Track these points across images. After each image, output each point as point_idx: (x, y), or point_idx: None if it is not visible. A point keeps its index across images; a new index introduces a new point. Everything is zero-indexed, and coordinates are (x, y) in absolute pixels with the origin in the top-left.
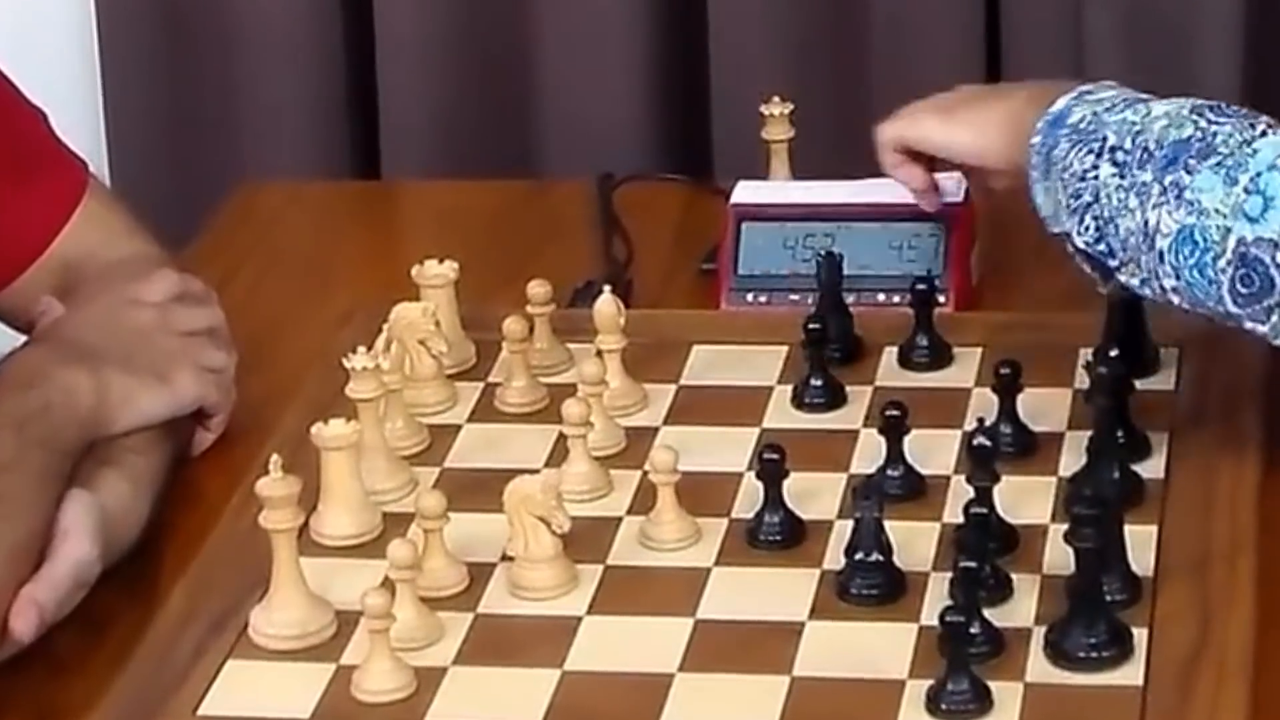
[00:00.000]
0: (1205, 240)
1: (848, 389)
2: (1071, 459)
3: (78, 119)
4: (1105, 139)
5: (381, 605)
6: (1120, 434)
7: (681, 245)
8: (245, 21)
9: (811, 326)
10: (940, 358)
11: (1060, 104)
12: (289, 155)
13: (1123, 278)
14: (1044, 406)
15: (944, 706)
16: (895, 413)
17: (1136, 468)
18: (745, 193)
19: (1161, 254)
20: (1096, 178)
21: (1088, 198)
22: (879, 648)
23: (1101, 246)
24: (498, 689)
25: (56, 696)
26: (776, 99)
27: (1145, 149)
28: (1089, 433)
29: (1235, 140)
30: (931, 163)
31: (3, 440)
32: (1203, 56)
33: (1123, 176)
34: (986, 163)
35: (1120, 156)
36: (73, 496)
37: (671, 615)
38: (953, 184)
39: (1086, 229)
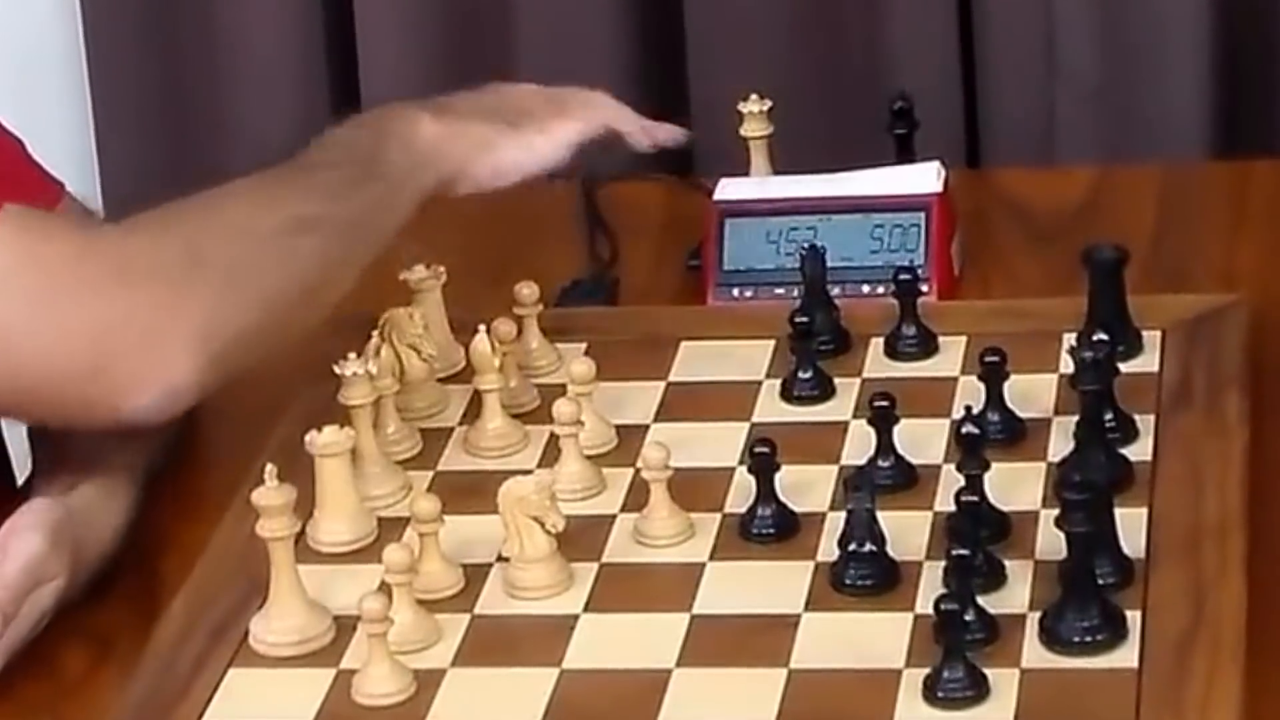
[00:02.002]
0: None
1: (836, 381)
2: (1060, 444)
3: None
4: None
5: (379, 609)
6: (1107, 418)
7: (666, 242)
8: (232, 36)
9: (798, 320)
10: (926, 347)
11: None
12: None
13: None
14: (1030, 392)
15: (941, 694)
16: (884, 403)
17: (1124, 451)
18: (728, 189)
19: None
20: None
21: None
22: (875, 638)
23: None
24: (496, 689)
25: (62, 712)
26: (754, 97)
27: None
28: (1076, 417)
29: None
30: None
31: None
32: (1172, 48)
33: None
34: None
35: None
36: (28, 504)
37: (667, 611)
38: (930, 174)
39: None
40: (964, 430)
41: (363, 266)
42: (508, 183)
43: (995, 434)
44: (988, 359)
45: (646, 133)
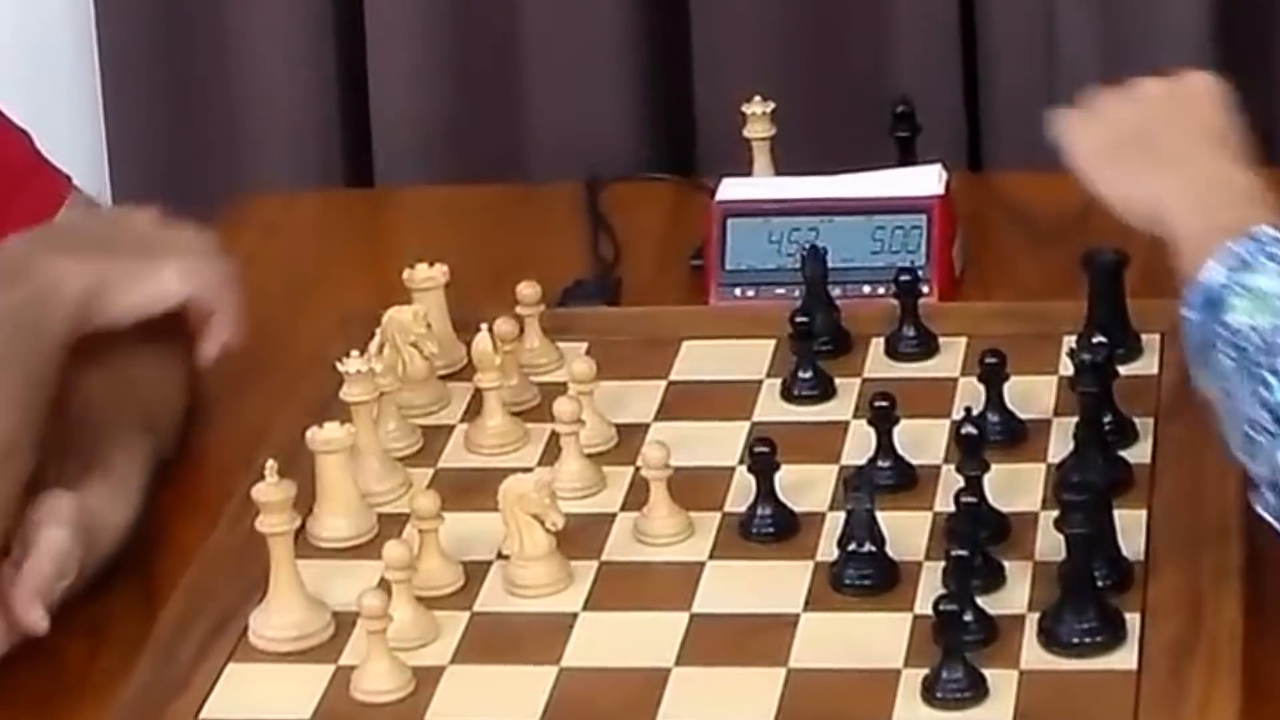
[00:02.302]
0: None
1: (836, 381)
2: (1059, 446)
3: (78, 137)
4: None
5: (379, 606)
6: (1106, 420)
7: (668, 243)
8: (241, 34)
9: (799, 320)
10: (927, 348)
11: (1211, 276)
12: (284, 163)
13: None
14: (1030, 394)
15: (939, 695)
16: (884, 404)
17: (1123, 453)
18: (730, 190)
19: None
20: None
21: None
22: (874, 638)
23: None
24: (495, 687)
25: (62, 705)
26: (758, 98)
27: None
28: (1075, 419)
29: None
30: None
31: None
32: (1172, 51)
33: None
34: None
35: None
36: (49, 494)
37: (667, 610)
38: (932, 176)
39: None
40: (964, 431)
41: None
42: (130, 320)
43: (995, 435)
44: (988, 360)
45: (232, 326)
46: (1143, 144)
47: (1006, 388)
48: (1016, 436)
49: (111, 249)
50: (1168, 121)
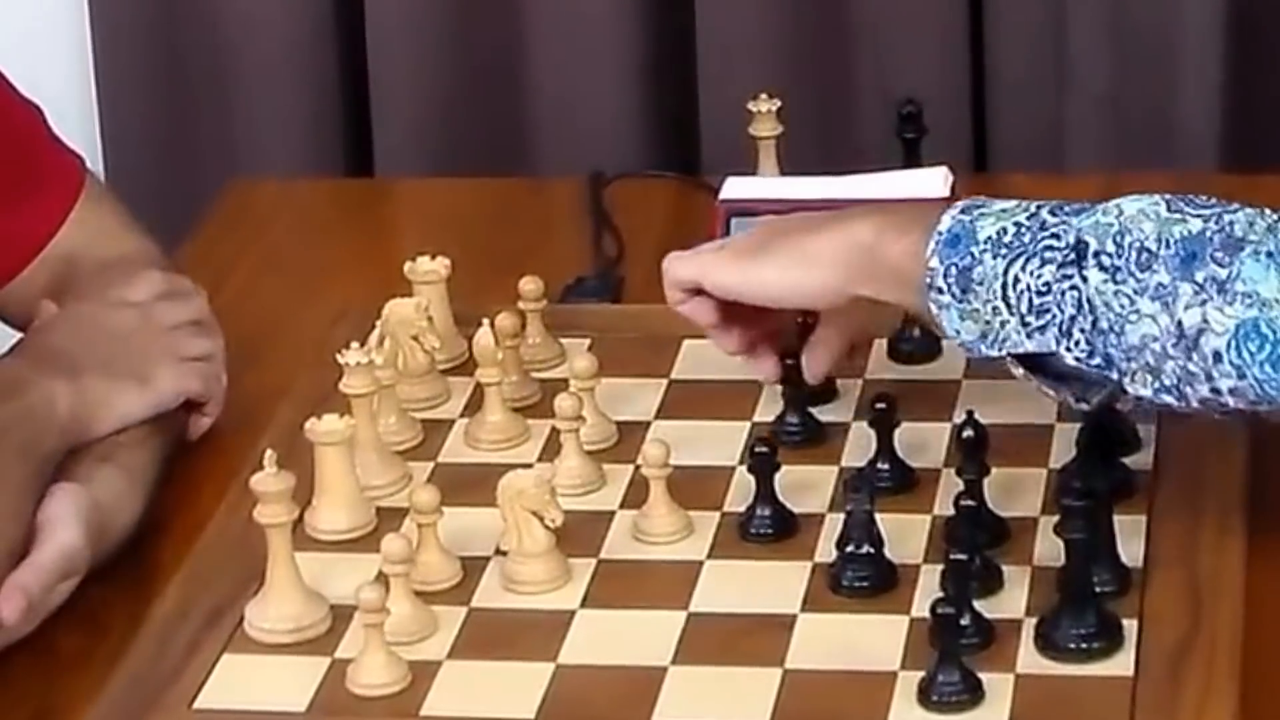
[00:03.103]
0: (1274, 331)
1: (837, 382)
2: (1061, 451)
3: (73, 118)
4: (1078, 245)
5: (376, 599)
6: (1108, 426)
7: (672, 241)
8: (240, 21)
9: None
10: (929, 350)
11: (948, 222)
12: (282, 153)
13: (1132, 389)
14: (1034, 398)
15: (935, 698)
16: (885, 406)
17: (1125, 460)
18: (733, 188)
19: (1217, 354)
20: (1077, 288)
21: (1067, 310)
22: (871, 640)
23: (1097, 360)
24: (492, 682)
25: (56, 692)
26: (764, 96)
27: (1143, 249)
28: (1078, 425)
29: (1260, 226)
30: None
31: None
32: (1184, 57)
33: (1120, 281)
34: (809, 302)
35: (1108, 260)
36: (61, 488)
37: (664, 609)
38: (938, 179)
39: (1076, 344)
40: (964, 434)
41: None
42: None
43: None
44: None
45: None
46: (787, 234)
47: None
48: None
49: (106, 367)
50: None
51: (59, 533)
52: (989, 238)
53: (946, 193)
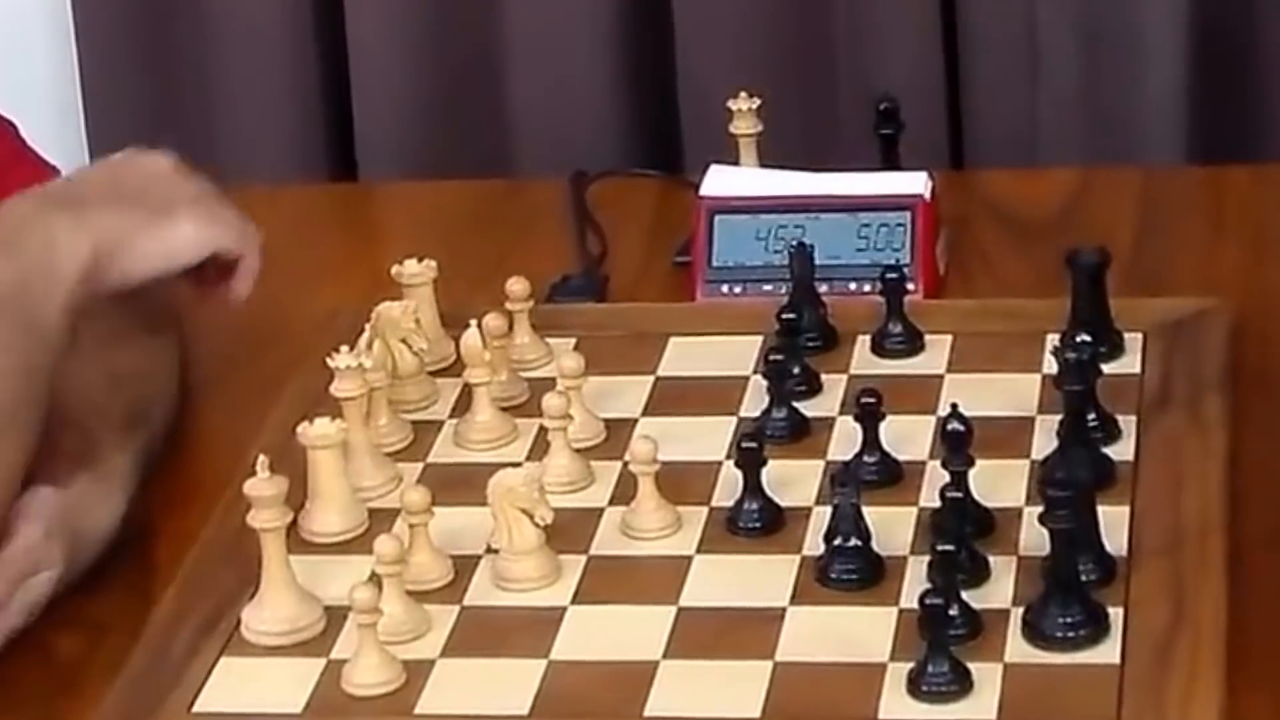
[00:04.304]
0: None
1: (823, 377)
2: (1043, 442)
3: (59, 132)
4: None
5: (369, 600)
6: (1090, 417)
7: (655, 239)
8: (221, 28)
9: (786, 316)
10: (912, 345)
11: None
12: (266, 158)
13: None
14: (1014, 391)
15: (925, 688)
16: (870, 400)
17: (1107, 450)
18: (716, 183)
19: None
20: None
21: None
22: (860, 631)
23: None
24: (485, 679)
25: (56, 698)
26: (743, 94)
27: None
28: (1059, 416)
29: None
30: None
31: None
32: (1151, 54)
33: None
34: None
35: None
36: (30, 492)
37: (654, 604)
38: (919, 181)
39: None
40: (949, 427)
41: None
42: (143, 280)
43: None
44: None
45: (248, 279)
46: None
47: (990, 384)
48: (999, 432)
49: (120, 202)
50: None
51: (21, 530)
52: None
53: (926, 193)
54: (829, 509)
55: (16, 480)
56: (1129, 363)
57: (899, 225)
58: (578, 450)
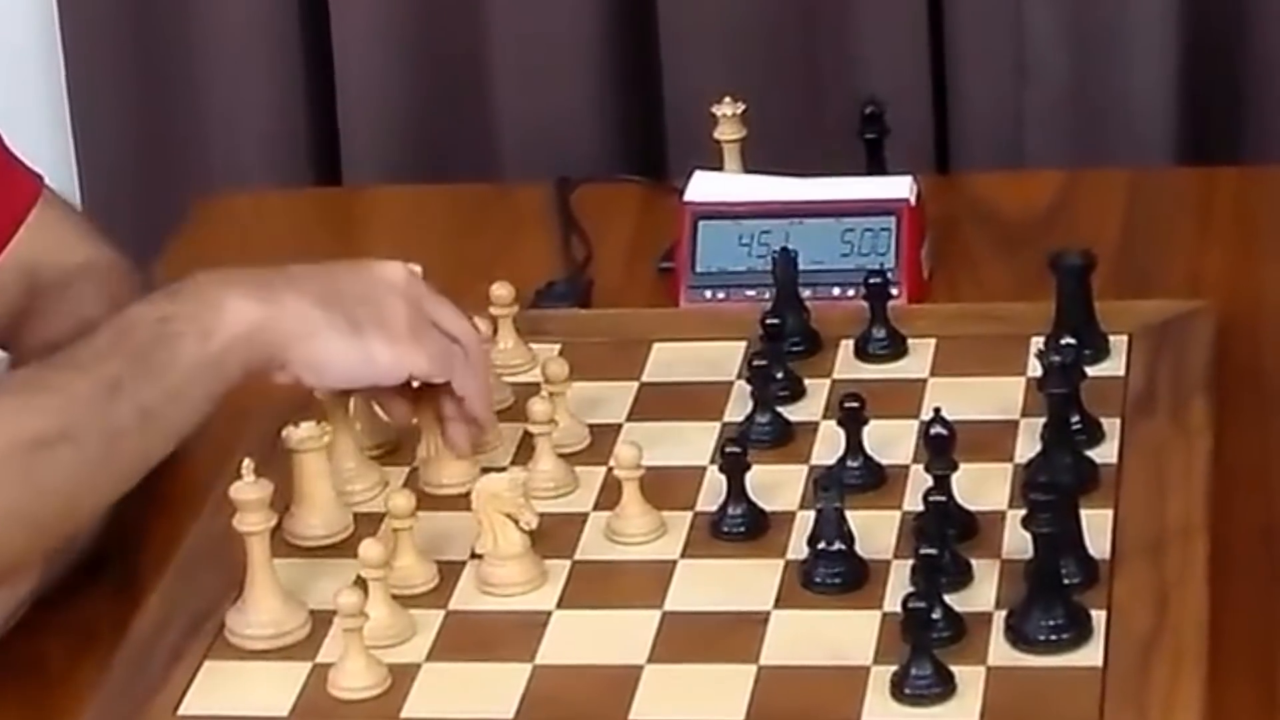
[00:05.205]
0: None
1: (806, 382)
2: (1026, 446)
3: (44, 139)
4: None
5: (355, 604)
6: (1074, 420)
7: (639, 244)
8: (206, 32)
9: (770, 322)
10: (896, 349)
11: None
12: (251, 163)
13: None
14: (998, 394)
15: (908, 691)
16: (854, 404)
17: (1090, 453)
18: (700, 189)
19: None
20: None
21: None
22: (843, 635)
23: None
24: (471, 683)
25: (43, 702)
26: (728, 100)
27: None
28: (1043, 420)
29: None
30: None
31: (98, 342)
32: (1139, 53)
33: None
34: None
35: None
36: None
37: (639, 608)
38: (905, 184)
39: None
40: (932, 431)
41: (135, 474)
42: (328, 385)
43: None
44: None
45: (479, 412)
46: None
47: (974, 387)
48: (981, 437)
49: (319, 301)
50: None
51: None
52: None
53: (910, 198)
54: (813, 513)
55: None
56: (1114, 365)
57: (883, 230)
58: (562, 455)
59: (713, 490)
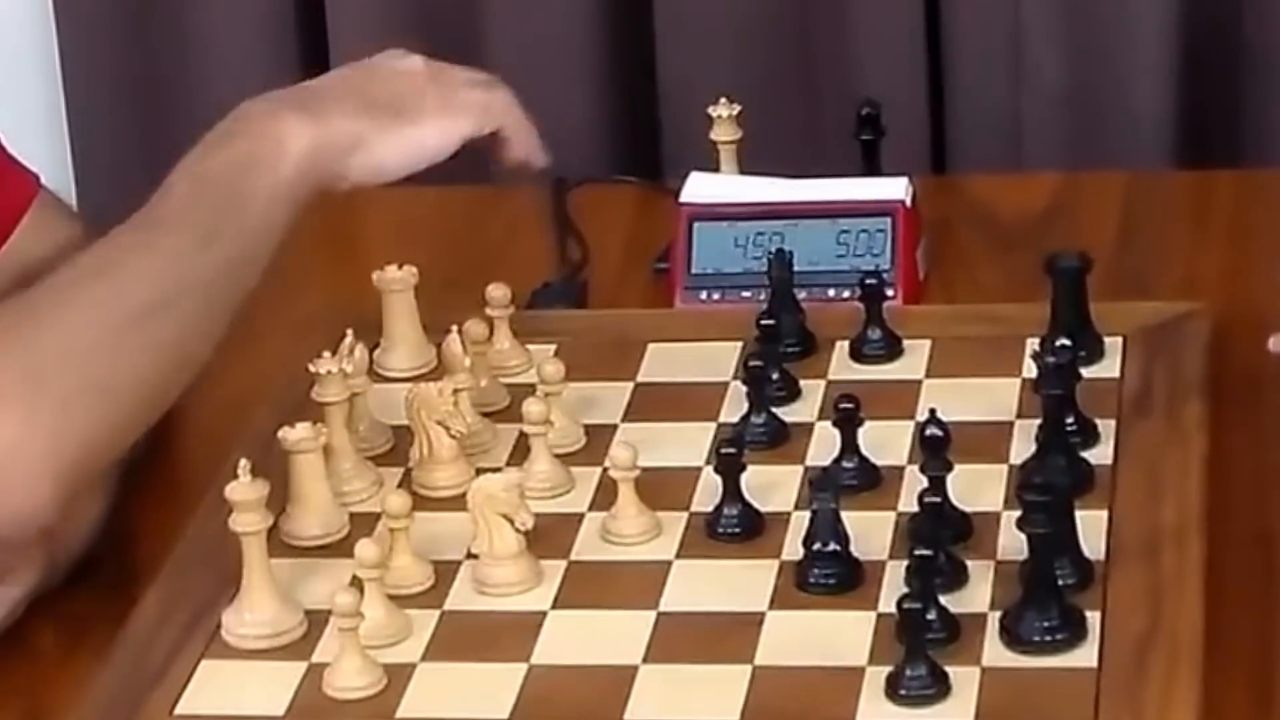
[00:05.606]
0: None
1: (801, 383)
2: (1022, 447)
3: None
4: None
5: (351, 604)
6: (1069, 422)
7: (635, 246)
8: (202, 31)
9: (765, 323)
10: (891, 350)
11: None
12: None
13: None
14: (994, 395)
15: (903, 692)
16: (849, 405)
17: (1085, 455)
18: (696, 190)
19: None
20: None
21: None
22: (838, 636)
23: None
24: (466, 684)
25: (39, 698)
26: (724, 101)
27: None
28: (1038, 421)
29: None
30: None
31: (176, 197)
32: (1138, 56)
33: None
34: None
35: None
36: None
37: (634, 609)
38: (900, 185)
39: None
40: (927, 432)
41: (234, 312)
42: (390, 179)
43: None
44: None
45: (525, 148)
46: None
47: (969, 388)
48: (977, 438)
49: (358, 107)
50: None
51: None
52: None
53: (906, 199)
54: (808, 514)
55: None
56: (1109, 367)
57: (879, 231)
58: (558, 456)
59: (708, 491)
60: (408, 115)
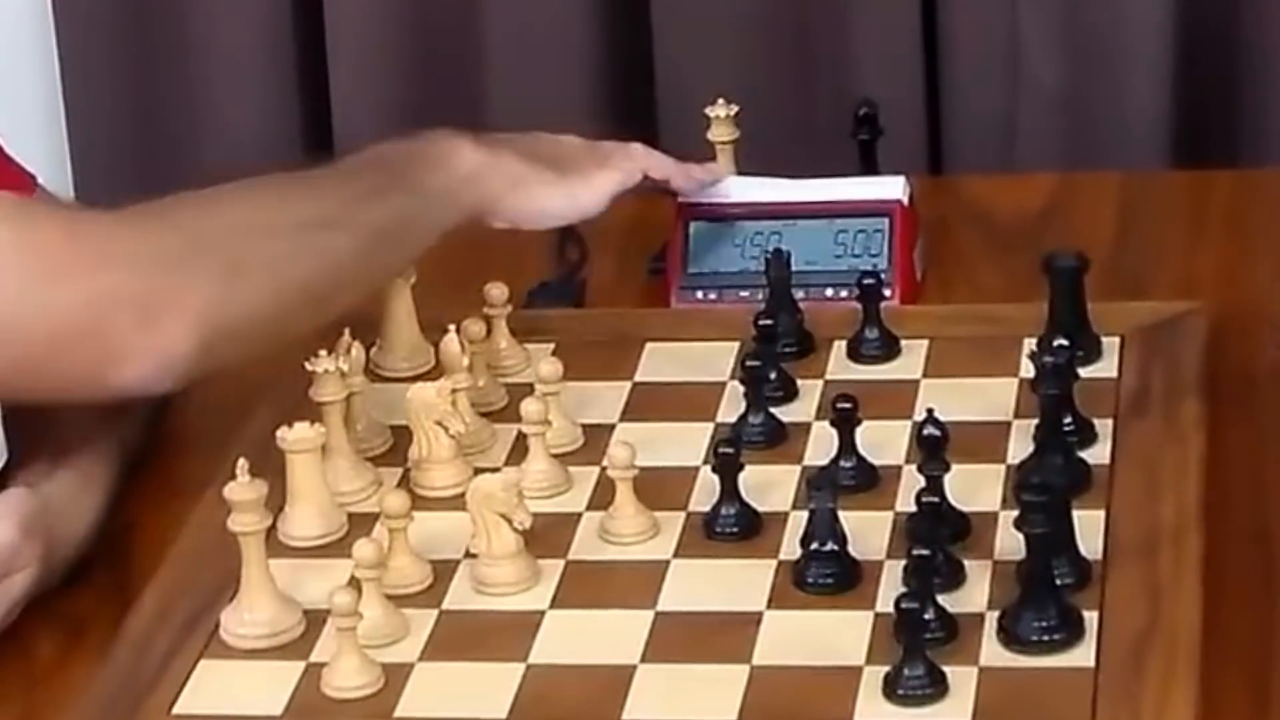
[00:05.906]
0: None
1: (799, 383)
2: (1019, 447)
3: (39, 134)
4: None
5: (349, 604)
6: (1066, 421)
7: (632, 245)
8: (201, 29)
9: (763, 322)
10: (888, 350)
11: None
12: (245, 162)
13: None
14: (991, 395)
15: (900, 692)
16: (846, 405)
17: (1083, 454)
18: None
19: None
20: None
21: None
22: (836, 635)
23: None
24: (464, 683)
25: (36, 698)
26: (721, 101)
27: None
28: (1036, 421)
29: None
30: None
31: (350, 161)
32: (1134, 57)
33: None
34: None
35: None
36: (9, 491)
37: (632, 608)
38: (896, 184)
39: None
40: (925, 432)
41: (384, 277)
42: (545, 226)
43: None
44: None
45: (686, 175)
46: None
47: (967, 388)
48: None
49: (530, 153)
50: None
51: None
52: None
53: (903, 199)
54: (805, 514)
55: None
56: (1106, 366)
57: (876, 231)
58: (556, 455)
59: (706, 490)
60: (566, 170)
